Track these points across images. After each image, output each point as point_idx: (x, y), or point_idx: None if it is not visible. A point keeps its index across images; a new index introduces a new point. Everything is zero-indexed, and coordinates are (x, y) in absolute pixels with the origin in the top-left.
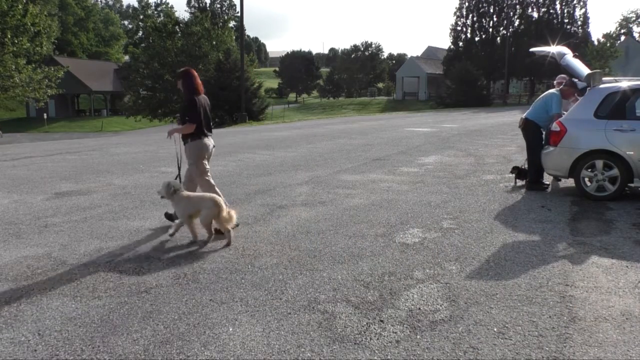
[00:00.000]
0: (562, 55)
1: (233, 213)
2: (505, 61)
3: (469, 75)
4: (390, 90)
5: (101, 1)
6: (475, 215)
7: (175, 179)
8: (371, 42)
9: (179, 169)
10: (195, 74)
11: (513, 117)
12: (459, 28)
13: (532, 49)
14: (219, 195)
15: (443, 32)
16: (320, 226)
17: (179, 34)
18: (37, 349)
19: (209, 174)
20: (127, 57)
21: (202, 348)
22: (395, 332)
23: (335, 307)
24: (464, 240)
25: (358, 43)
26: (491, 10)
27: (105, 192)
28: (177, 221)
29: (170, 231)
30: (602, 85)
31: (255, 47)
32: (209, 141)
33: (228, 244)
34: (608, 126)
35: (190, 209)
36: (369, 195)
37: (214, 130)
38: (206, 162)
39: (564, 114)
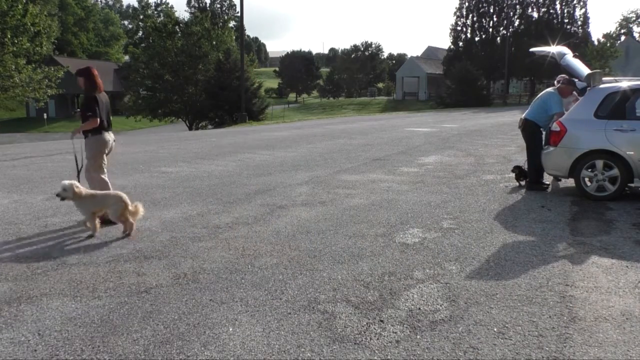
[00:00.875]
0: (562, 55)
1: (140, 206)
2: (505, 61)
3: (469, 75)
4: (390, 90)
5: (101, 1)
6: (475, 215)
7: (77, 178)
8: (371, 42)
9: (78, 170)
10: (96, 72)
11: (513, 117)
12: (459, 28)
13: (532, 49)
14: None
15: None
16: (320, 226)
17: (179, 34)
18: (37, 349)
19: (105, 170)
20: (127, 57)
21: (202, 348)
22: (395, 332)
23: (335, 307)
24: (464, 240)
25: (358, 43)
26: (491, 10)
27: None
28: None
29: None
30: (602, 85)
31: (255, 47)
32: (109, 136)
33: (128, 235)
34: (608, 126)
35: (95, 206)
36: (369, 195)
37: (214, 131)
38: (105, 158)
39: (565, 113)
